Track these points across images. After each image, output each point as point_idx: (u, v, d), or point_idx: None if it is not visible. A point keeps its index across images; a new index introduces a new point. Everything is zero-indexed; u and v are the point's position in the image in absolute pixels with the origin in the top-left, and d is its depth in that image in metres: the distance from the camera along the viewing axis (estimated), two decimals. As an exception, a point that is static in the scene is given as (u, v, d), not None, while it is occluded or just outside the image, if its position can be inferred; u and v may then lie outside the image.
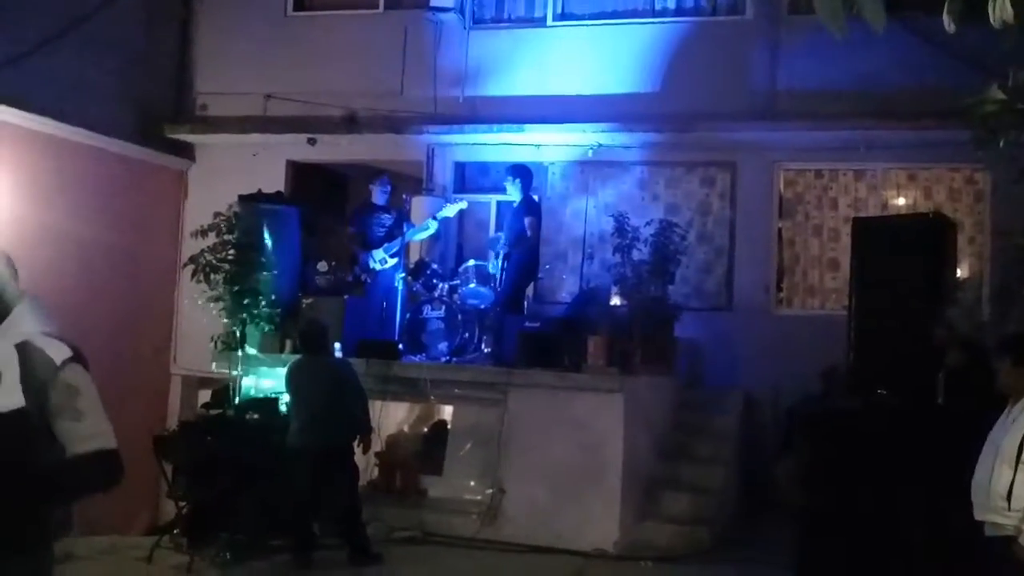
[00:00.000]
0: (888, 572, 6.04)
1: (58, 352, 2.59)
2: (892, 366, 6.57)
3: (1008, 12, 2.48)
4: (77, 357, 2.62)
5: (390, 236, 9.47)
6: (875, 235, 7.14)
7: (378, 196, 9.65)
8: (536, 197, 9.63)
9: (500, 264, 9.22)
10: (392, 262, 9.39)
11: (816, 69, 9.41)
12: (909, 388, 6.44)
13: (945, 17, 2.71)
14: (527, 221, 9.12)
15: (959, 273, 8.98)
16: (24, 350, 2.57)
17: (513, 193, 9.39)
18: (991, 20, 2.54)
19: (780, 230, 10.41)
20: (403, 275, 9.35)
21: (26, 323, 2.64)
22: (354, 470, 7.21)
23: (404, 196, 10.29)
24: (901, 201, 10.16)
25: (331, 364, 7.41)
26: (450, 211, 9.65)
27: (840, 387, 7.38)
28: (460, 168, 11.26)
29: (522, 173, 9.38)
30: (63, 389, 2.55)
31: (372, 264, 9.43)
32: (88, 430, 2.56)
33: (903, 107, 9.24)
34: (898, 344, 6.56)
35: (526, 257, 9.21)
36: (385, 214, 9.56)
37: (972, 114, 4.92)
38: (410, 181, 11.15)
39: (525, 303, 9.52)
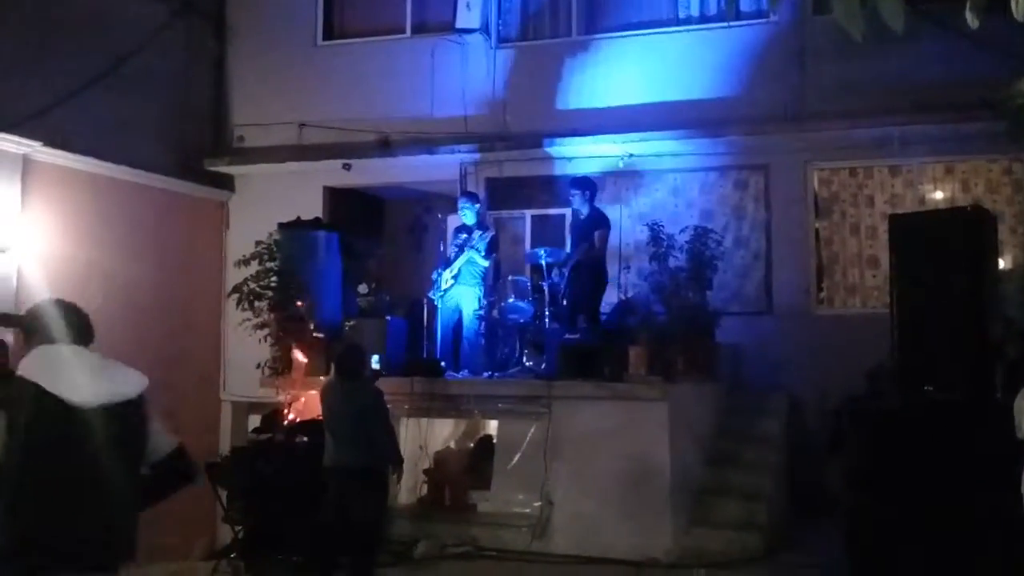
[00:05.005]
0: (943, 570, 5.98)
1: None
2: (937, 362, 6.52)
3: (1031, 6, 2.51)
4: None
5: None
6: (913, 231, 7.06)
7: (461, 217, 9.59)
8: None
9: (566, 276, 9.06)
10: (451, 282, 9.26)
11: (844, 67, 9.36)
12: (957, 383, 6.38)
13: (968, 13, 2.74)
14: (597, 234, 9.04)
15: (1002, 265, 8.86)
16: None
17: (580, 205, 9.31)
18: (1014, 14, 2.57)
19: (817, 230, 10.36)
20: (440, 294, 9.30)
21: None
22: (380, 497, 6.93)
23: (439, 215, 10.40)
24: (939, 195, 10.06)
25: (359, 390, 6.99)
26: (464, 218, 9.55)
27: (886, 386, 7.31)
28: (493, 184, 11.36)
29: (588, 185, 9.34)
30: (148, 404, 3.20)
31: (441, 284, 9.36)
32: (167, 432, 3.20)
33: (936, 100, 9.16)
34: (943, 339, 6.50)
35: (596, 269, 9.09)
36: (463, 234, 9.47)
37: (1002, 108, 4.88)
38: (445, 201, 11.26)
39: (600, 314, 9.23)
